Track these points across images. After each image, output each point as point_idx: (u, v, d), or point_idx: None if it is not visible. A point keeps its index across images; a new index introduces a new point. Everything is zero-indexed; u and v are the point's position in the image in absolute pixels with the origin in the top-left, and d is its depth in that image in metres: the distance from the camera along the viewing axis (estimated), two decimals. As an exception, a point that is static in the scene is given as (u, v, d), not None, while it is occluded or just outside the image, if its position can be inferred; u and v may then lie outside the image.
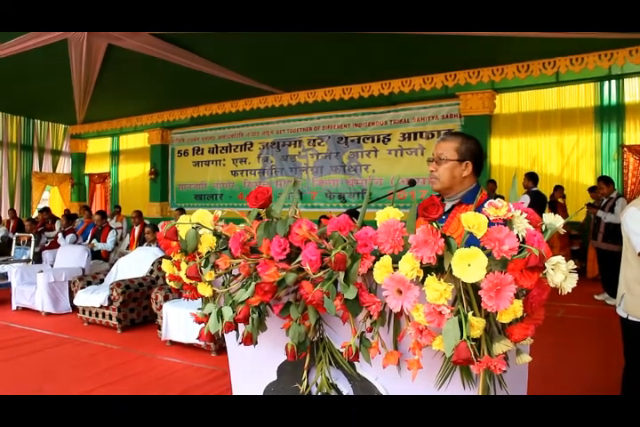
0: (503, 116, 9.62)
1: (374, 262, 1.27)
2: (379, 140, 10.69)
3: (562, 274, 1.16)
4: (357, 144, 10.96)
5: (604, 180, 6.97)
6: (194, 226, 1.64)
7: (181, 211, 10.28)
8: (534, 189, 7.44)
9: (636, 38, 7.12)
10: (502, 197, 6.42)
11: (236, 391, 1.99)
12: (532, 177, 7.53)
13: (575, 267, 1.20)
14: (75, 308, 6.38)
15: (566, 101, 9.14)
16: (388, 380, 1.47)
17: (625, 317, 2.74)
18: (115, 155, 15.56)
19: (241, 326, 1.59)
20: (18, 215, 11.78)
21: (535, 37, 6.98)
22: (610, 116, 8.73)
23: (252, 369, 1.82)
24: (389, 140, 10.55)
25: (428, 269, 1.17)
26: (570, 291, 1.23)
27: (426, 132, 10.08)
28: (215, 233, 1.64)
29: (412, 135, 10.27)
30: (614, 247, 6.10)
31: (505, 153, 9.69)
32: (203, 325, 1.66)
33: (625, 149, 8.59)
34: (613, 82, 8.66)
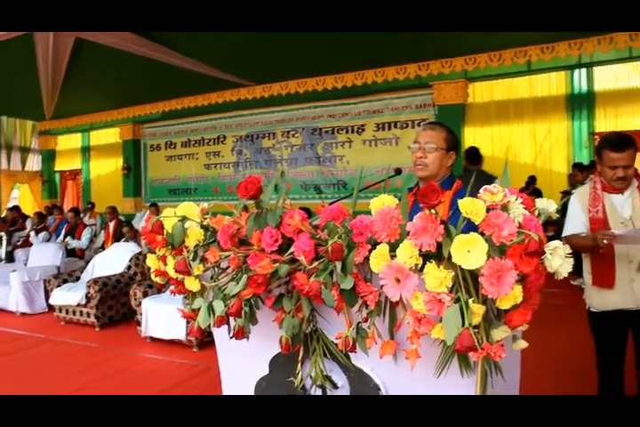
0: (476, 105, 9.64)
1: (370, 251, 1.25)
2: (353, 131, 10.63)
3: (559, 259, 1.16)
4: (332, 135, 10.90)
5: (579, 166, 7.08)
6: (180, 219, 1.60)
7: (154, 206, 10.18)
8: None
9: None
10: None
11: (226, 386, 1.96)
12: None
13: (570, 252, 1.21)
14: (51, 307, 6.25)
15: (538, 90, 9.20)
16: (383, 370, 1.46)
17: (587, 308, 2.74)
18: (86, 151, 15.21)
19: (231, 321, 1.56)
20: (-14, 214, 11.52)
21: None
22: (581, 104, 8.82)
23: (243, 363, 1.79)
24: (363, 130, 10.50)
25: (426, 257, 1.16)
26: (566, 275, 1.23)
27: (400, 122, 10.04)
28: (202, 226, 1.61)
29: (387, 125, 10.22)
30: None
31: (479, 142, 9.67)
32: (185, 320, 1.63)
33: (596, 136, 8.66)
34: (583, 70, 8.74)
